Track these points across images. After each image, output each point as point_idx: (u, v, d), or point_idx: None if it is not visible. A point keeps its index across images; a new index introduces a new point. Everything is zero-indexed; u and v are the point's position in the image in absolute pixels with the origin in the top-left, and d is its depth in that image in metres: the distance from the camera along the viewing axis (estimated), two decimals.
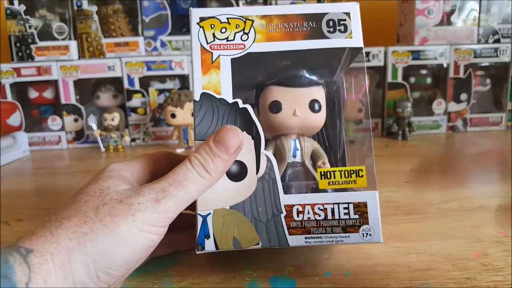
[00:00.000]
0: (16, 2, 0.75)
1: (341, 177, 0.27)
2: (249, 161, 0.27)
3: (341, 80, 0.31)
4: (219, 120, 0.27)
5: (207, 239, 0.26)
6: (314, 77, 0.30)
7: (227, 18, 0.27)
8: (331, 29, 0.27)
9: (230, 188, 0.26)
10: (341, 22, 0.27)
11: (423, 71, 0.80)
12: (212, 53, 0.27)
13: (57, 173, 0.61)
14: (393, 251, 0.30)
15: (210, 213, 0.26)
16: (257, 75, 0.30)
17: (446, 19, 0.78)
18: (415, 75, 0.80)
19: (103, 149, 0.74)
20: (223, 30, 0.27)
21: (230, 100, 0.27)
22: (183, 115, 0.70)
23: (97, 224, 0.22)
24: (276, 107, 0.29)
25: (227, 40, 0.27)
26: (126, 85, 0.76)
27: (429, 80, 0.80)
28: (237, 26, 0.27)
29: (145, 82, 0.77)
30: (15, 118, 0.77)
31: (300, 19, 0.28)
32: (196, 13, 0.28)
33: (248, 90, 0.30)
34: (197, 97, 0.27)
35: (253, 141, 0.27)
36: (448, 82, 0.78)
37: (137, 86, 0.77)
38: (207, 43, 0.27)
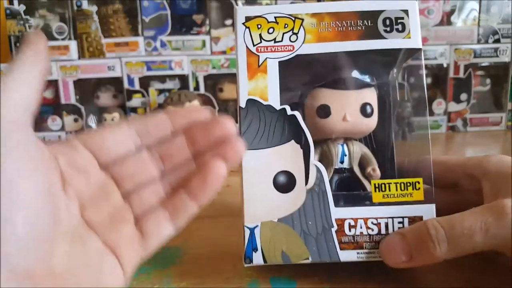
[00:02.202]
0: (16, 2, 0.75)
1: (396, 190, 0.25)
2: (297, 172, 0.25)
3: (394, 81, 0.29)
4: (266, 127, 0.25)
5: (255, 252, 0.25)
6: (366, 79, 0.28)
7: (275, 17, 0.25)
8: (388, 28, 0.26)
9: (278, 200, 0.25)
10: (399, 21, 0.26)
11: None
12: (258, 56, 0.25)
13: None
14: None
15: (257, 226, 0.25)
16: (304, 77, 0.28)
17: (446, 19, 0.78)
18: (414, 75, 0.79)
19: None
20: (271, 30, 0.25)
21: (277, 106, 0.25)
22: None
23: None
24: (324, 111, 0.27)
25: (275, 42, 0.25)
26: (126, 85, 0.76)
27: (429, 80, 0.80)
28: (286, 25, 0.25)
29: (145, 82, 0.77)
30: None
31: (354, 17, 0.26)
32: (241, 12, 0.26)
33: (292, 92, 0.28)
34: (242, 103, 0.25)
35: (302, 150, 0.25)
36: (448, 82, 0.78)
37: (137, 86, 0.77)
38: (254, 45, 0.25)
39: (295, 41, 0.25)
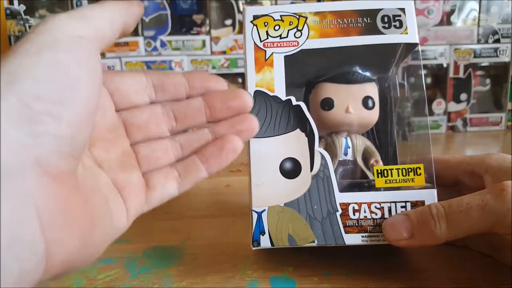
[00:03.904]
0: (16, 2, 0.75)
1: (398, 175, 0.26)
2: (303, 159, 0.27)
3: (394, 76, 0.31)
4: (273, 117, 0.27)
5: (262, 235, 0.26)
6: (367, 73, 0.29)
7: (281, 16, 0.27)
8: (386, 25, 0.27)
9: (284, 185, 0.26)
10: (396, 18, 0.27)
11: (423, 71, 0.80)
12: (265, 51, 0.27)
13: None
14: (393, 251, 0.30)
15: (265, 210, 0.26)
16: (309, 72, 0.29)
17: (446, 19, 0.78)
18: (414, 75, 0.79)
19: None
20: (277, 27, 0.27)
21: (283, 97, 0.27)
22: None
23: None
24: (328, 104, 0.28)
25: (280, 38, 0.27)
26: None
27: (429, 80, 0.80)
28: (291, 23, 0.27)
29: None
30: None
31: (354, 15, 0.27)
32: (249, 11, 0.28)
33: (298, 87, 0.30)
34: (250, 94, 0.27)
35: (306, 138, 0.27)
36: (448, 82, 0.78)
37: None
38: (261, 41, 0.27)
39: (299, 37, 0.27)
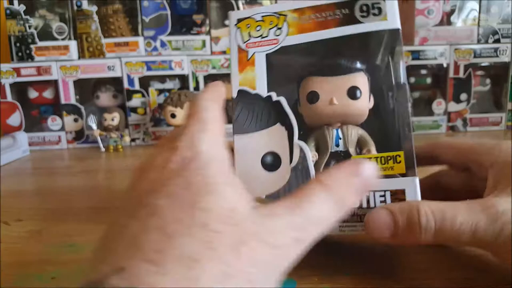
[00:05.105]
0: (16, 2, 0.75)
1: (377, 164, 0.26)
2: (283, 152, 0.27)
3: (384, 66, 0.29)
4: (254, 113, 0.27)
5: None
6: (352, 64, 0.29)
7: (262, 16, 0.28)
8: (365, 14, 0.27)
9: (266, 178, 0.27)
10: (375, 5, 0.27)
11: (423, 71, 0.80)
12: (247, 51, 0.28)
13: (57, 173, 0.61)
14: (393, 251, 0.30)
15: None
16: (296, 68, 0.30)
17: (446, 19, 0.78)
18: (415, 75, 0.80)
19: (103, 149, 0.74)
20: (258, 28, 0.28)
21: (264, 94, 0.28)
22: (183, 115, 0.70)
23: (242, 281, 0.15)
24: (313, 97, 0.28)
25: (262, 37, 0.28)
26: (126, 85, 0.76)
27: (429, 80, 0.80)
28: (271, 22, 0.28)
29: (145, 82, 0.77)
30: (15, 118, 0.77)
31: (332, 8, 0.28)
32: (234, 16, 0.29)
33: (290, 84, 0.30)
34: (234, 94, 0.28)
35: (286, 132, 0.27)
36: (448, 82, 0.78)
37: (137, 86, 0.77)
38: (243, 43, 0.28)
39: (279, 35, 0.28)
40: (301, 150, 0.27)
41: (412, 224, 0.23)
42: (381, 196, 0.26)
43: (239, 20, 0.29)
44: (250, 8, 0.28)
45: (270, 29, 0.28)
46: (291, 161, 0.27)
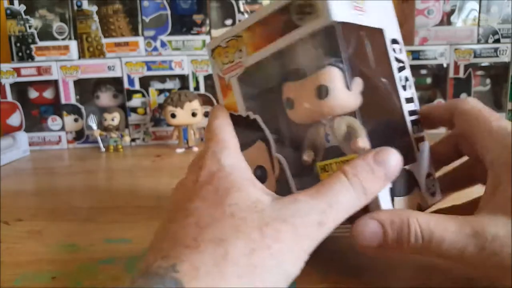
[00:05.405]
0: (16, 2, 0.75)
1: (337, 168, 0.25)
2: (267, 165, 0.29)
3: (352, 59, 0.27)
4: (241, 133, 0.28)
5: None
6: (312, 63, 0.27)
7: (226, 42, 0.29)
8: (301, 16, 0.25)
9: None
10: (307, 2, 0.24)
11: (423, 71, 0.80)
12: (225, 77, 0.29)
13: (57, 173, 0.61)
14: None
15: None
16: (268, 81, 0.29)
17: (446, 19, 0.78)
18: (415, 75, 0.80)
19: (103, 149, 0.74)
20: (226, 55, 0.29)
21: (244, 114, 0.29)
22: (183, 115, 0.70)
23: (266, 254, 0.18)
24: (289, 104, 0.28)
25: (230, 63, 0.29)
26: (126, 85, 0.76)
27: (429, 80, 0.80)
28: (234, 46, 0.29)
29: (145, 82, 0.77)
30: (15, 118, 0.77)
31: (275, 17, 0.26)
32: (208, 47, 0.30)
33: (269, 95, 0.30)
34: None
35: (266, 147, 0.29)
36: (448, 82, 0.78)
37: (137, 86, 0.77)
38: (221, 71, 0.30)
39: (241, 57, 0.28)
40: (280, 163, 0.28)
41: (401, 240, 0.22)
42: None
43: (213, 51, 0.30)
44: (224, 31, 0.29)
45: (234, 53, 0.29)
46: (274, 173, 0.28)
